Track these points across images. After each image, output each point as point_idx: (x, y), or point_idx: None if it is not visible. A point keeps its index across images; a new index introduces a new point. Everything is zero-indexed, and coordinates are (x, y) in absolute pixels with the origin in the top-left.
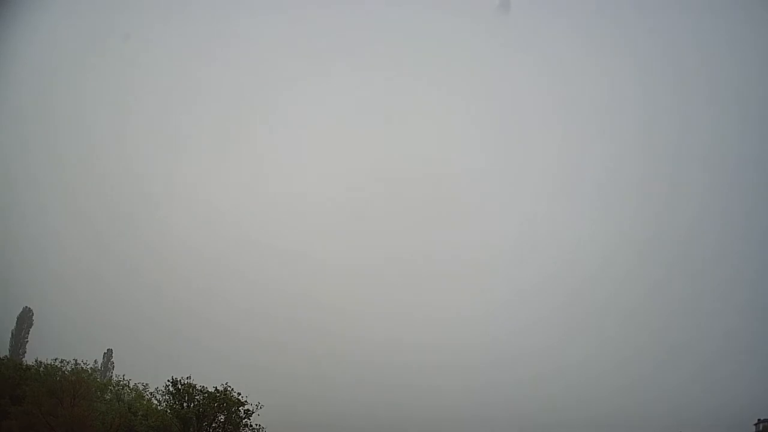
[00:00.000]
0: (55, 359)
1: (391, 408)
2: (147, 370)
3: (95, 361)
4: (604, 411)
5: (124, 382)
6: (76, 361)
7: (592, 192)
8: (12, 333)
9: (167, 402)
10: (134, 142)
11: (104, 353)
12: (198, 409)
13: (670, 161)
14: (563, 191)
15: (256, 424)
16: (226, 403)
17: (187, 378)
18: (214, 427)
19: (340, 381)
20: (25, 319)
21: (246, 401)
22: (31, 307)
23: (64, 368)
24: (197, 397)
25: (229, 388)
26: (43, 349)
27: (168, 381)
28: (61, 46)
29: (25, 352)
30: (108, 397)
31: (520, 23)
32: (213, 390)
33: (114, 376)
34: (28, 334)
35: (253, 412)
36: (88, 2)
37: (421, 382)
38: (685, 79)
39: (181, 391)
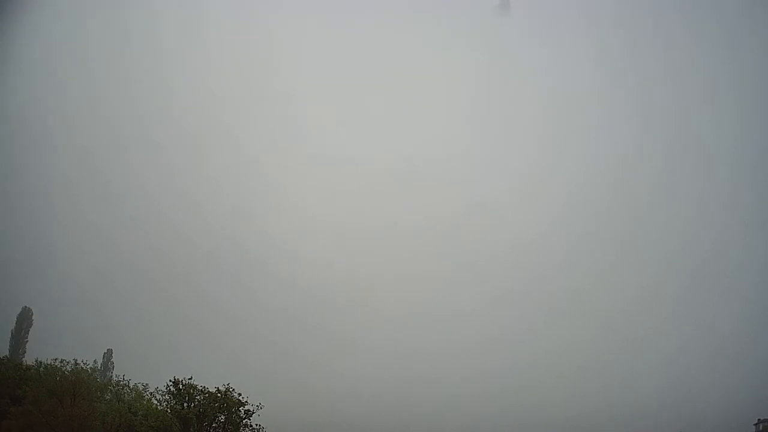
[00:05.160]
0: (55, 359)
1: (391, 408)
2: (147, 370)
3: (95, 361)
4: (605, 411)
5: (124, 382)
6: (76, 361)
7: (590, 191)
8: (12, 333)
9: (167, 402)
10: (135, 142)
11: (104, 353)
12: (198, 410)
13: (670, 160)
14: (562, 190)
15: (256, 425)
16: (227, 404)
17: (189, 378)
18: (215, 428)
19: (340, 381)
20: (24, 319)
21: (246, 401)
22: (31, 307)
23: (64, 368)
24: (198, 398)
25: (229, 389)
26: (43, 349)
27: (170, 381)
28: (63, 44)
29: (25, 352)
30: (108, 397)
31: (520, 23)
32: (214, 390)
33: (114, 376)
34: (28, 334)
35: (253, 413)
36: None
37: (421, 382)
38: (684, 77)
39: (182, 391)
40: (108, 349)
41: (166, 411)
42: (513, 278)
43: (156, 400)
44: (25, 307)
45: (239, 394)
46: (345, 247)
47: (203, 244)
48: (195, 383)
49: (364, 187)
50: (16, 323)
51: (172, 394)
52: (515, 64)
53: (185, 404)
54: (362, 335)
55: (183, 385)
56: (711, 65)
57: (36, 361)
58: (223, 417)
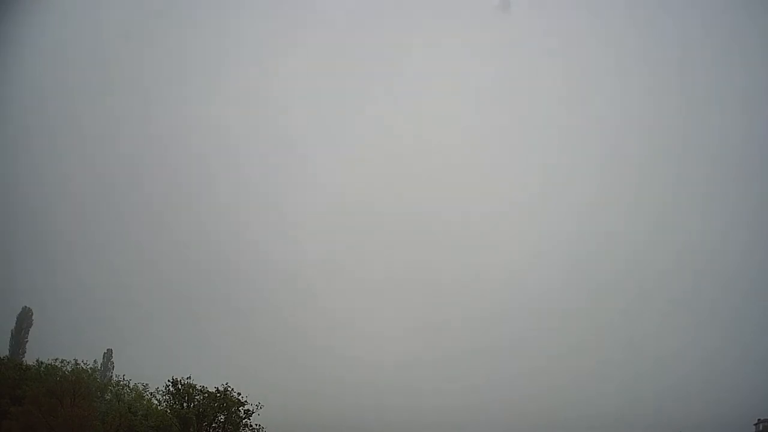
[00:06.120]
0: (55, 359)
1: (391, 408)
2: (147, 370)
3: (95, 361)
4: (605, 411)
5: (124, 382)
6: (76, 361)
7: (591, 190)
8: (12, 333)
9: (167, 402)
10: (136, 143)
11: (104, 353)
12: (198, 409)
13: (674, 160)
14: (563, 191)
15: (256, 424)
16: (226, 403)
17: (187, 378)
18: (214, 427)
19: (340, 381)
20: (25, 319)
21: (246, 401)
22: (31, 307)
23: (64, 368)
24: (197, 397)
25: (229, 389)
26: (43, 349)
27: (168, 381)
28: (63, 45)
29: (25, 352)
30: (108, 397)
31: (520, 22)
32: (213, 390)
33: (114, 376)
34: (28, 334)
35: (253, 412)
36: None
37: (421, 382)
38: (687, 75)
39: (181, 391)
40: (108, 349)
41: (166, 411)
42: (515, 280)
43: (156, 400)
44: (25, 307)
45: (238, 394)
46: (349, 249)
47: (204, 245)
48: (194, 383)
49: (366, 189)
50: (16, 323)
51: (171, 394)
52: (515, 64)
53: (185, 404)
54: (364, 335)
55: (182, 385)
56: (714, 63)
57: (36, 361)
58: (222, 417)
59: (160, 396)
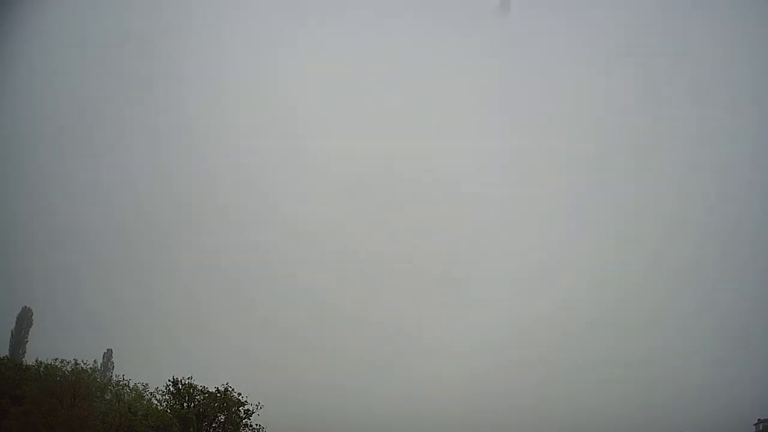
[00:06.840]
0: (55, 359)
1: (392, 409)
2: (147, 370)
3: (95, 361)
4: (604, 411)
5: (124, 382)
6: (76, 361)
7: (590, 192)
8: (12, 333)
9: (167, 402)
10: (136, 142)
11: (104, 353)
12: (198, 409)
13: (675, 163)
14: (563, 190)
15: (256, 424)
16: (226, 403)
17: (188, 378)
18: (214, 427)
19: (340, 381)
20: (24, 319)
21: (246, 401)
22: (31, 307)
23: (64, 368)
24: (197, 397)
25: (229, 389)
26: (43, 349)
27: (169, 381)
28: (62, 46)
29: (25, 352)
30: (108, 397)
31: (520, 23)
32: (213, 390)
33: (114, 376)
34: (28, 334)
35: (253, 412)
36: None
37: (422, 383)
38: (690, 76)
39: (181, 391)
40: (108, 349)
41: (166, 411)
42: (516, 280)
43: (156, 400)
44: (25, 307)
45: (239, 394)
46: (344, 245)
47: (205, 244)
48: (195, 383)
49: (366, 190)
50: (16, 323)
51: (172, 394)
52: (515, 65)
53: (185, 404)
54: (364, 335)
55: (182, 385)
56: (717, 63)
57: (36, 361)
58: (222, 417)
59: (160, 396)
